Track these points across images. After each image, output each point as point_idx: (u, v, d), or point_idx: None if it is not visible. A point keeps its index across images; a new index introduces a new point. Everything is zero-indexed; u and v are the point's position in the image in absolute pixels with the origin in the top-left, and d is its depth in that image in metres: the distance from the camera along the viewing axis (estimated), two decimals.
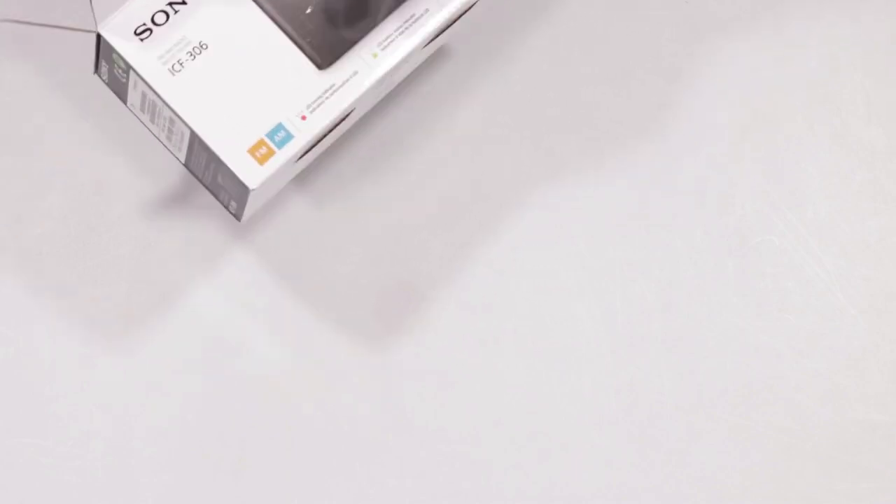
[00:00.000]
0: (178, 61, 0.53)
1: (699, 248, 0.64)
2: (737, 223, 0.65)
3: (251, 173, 0.53)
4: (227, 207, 0.58)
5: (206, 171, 0.56)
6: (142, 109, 0.56)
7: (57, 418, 0.61)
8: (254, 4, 0.54)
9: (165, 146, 0.57)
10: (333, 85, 0.55)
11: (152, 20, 0.53)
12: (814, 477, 0.62)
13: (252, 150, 0.53)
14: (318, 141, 0.56)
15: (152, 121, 0.56)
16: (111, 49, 0.53)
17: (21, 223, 0.63)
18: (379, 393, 0.62)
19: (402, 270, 0.64)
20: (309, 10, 0.54)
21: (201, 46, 0.53)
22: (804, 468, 0.63)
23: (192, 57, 0.53)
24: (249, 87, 0.54)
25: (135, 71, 0.53)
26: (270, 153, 0.54)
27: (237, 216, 0.58)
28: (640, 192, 0.65)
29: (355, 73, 0.55)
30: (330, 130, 0.56)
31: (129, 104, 0.56)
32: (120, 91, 0.56)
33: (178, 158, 0.57)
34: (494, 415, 0.62)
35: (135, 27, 0.53)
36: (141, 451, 0.61)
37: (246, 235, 0.63)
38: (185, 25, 0.53)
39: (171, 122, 0.54)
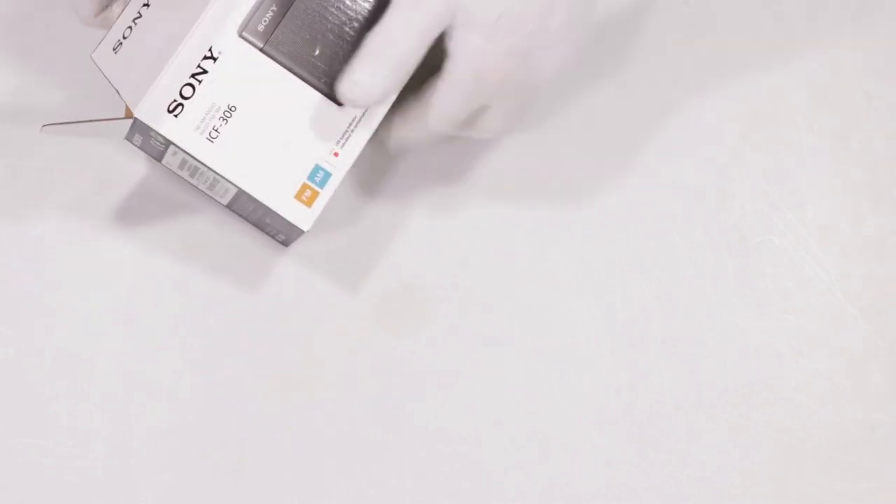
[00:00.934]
0: (214, 128, 0.57)
1: (699, 247, 0.64)
2: (737, 223, 0.65)
3: (303, 216, 0.58)
4: (274, 237, 0.62)
5: (252, 214, 0.60)
6: (180, 168, 0.59)
7: (57, 418, 0.61)
8: (268, 59, 0.57)
9: (205, 193, 0.61)
10: (355, 117, 0.58)
11: (181, 94, 0.56)
12: (814, 477, 0.62)
13: (298, 196, 0.58)
14: None
15: (192, 177, 0.59)
16: (149, 128, 0.56)
17: (22, 223, 0.63)
18: (379, 393, 0.62)
19: (402, 270, 0.64)
20: (317, 52, 0.57)
21: (231, 109, 0.57)
22: (804, 468, 0.62)
23: (225, 121, 0.57)
24: (282, 136, 0.58)
25: (175, 145, 0.57)
26: (315, 194, 0.58)
27: (284, 244, 0.62)
28: (640, 192, 0.65)
29: None
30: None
31: (163, 163, 0.60)
32: (154, 154, 0.59)
33: (219, 202, 0.61)
34: (494, 415, 0.62)
35: (167, 105, 0.56)
36: (141, 451, 0.61)
37: (245, 236, 0.63)
38: (212, 93, 0.56)
39: (216, 181, 0.58)
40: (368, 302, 0.63)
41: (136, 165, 0.64)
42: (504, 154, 0.65)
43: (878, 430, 0.63)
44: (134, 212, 0.63)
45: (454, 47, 0.56)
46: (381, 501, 0.61)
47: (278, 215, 0.58)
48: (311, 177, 0.58)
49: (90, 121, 0.59)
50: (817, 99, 0.66)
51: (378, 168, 0.65)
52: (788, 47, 0.66)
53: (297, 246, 0.63)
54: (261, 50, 0.57)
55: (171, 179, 0.63)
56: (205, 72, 0.56)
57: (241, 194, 0.58)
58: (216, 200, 0.61)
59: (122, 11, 0.59)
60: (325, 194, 0.58)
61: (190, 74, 0.56)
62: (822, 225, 0.65)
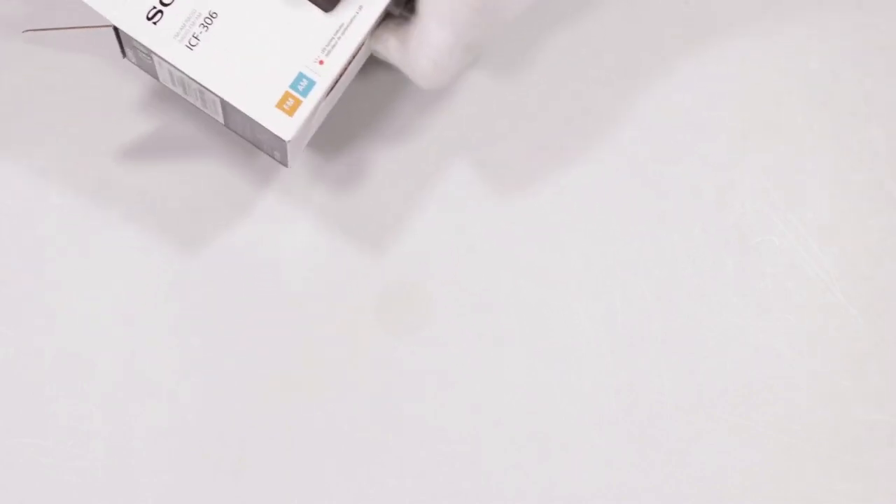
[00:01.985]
0: (194, 35, 0.56)
1: (699, 247, 0.64)
2: (736, 223, 0.65)
3: (284, 126, 0.56)
4: (272, 156, 0.61)
5: (244, 129, 0.59)
6: (173, 84, 0.58)
7: (57, 418, 0.61)
8: None
9: (204, 112, 0.60)
10: (342, 24, 0.57)
11: (160, 1, 0.55)
12: (814, 477, 0.62)
13: (280, 104, 0.56)
14: (338, 80, 0.58)
15: (185, 93, 0.59)
16: (130, 38, 0.56)
17: (21, 223, 0.63)
18: (379, 393, 0.62)
19: (402, 270, 0.64)
20: None
21: (212, 16, 0.56)
22: (804, 468, 0.63)
23: (206, 28, 0.56)
24: (264, 44, 0.56)
25: (155, 54, 0.56)
26: (298, 103, 0.56)
27: (283, 163, 0.61)
28: (640, 192, 0.65)
29: (360, 7, 0.57)
30: (346, 67, 0.58)
31: (161, 81, 0.59)
32: (150, 70, 0.59)
33: (218, 121, 0.60)
34: (494, 415, 0.62)
35: (146, 12, 0.55)
36: (141, 451, 0.61)
37: (245, 235, 0.63)
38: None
39: (201, 92, 0.57)
40: (368, 302, 0.63)
41: (136, 165, 0.64)
42: (504, 154, 0.65)
43: (878, 430, 0.63)
44: (134, 212, 0.63)
45: None
46: (381, 501, 0.61)
47: (259, 125, 0.57)
48: (294, 85, 0.56)
49: (73, 28, 0.59)
50: (817, 99, 0.66)
51: (379, 168, 0.65)
52: (788, 47, 0.66)
53: (298, 246, 0.63)
54: None
55: (171, 180, 0.64)
56: None
57: (226, 106, 0.57)
58: (216, 120, 0.60)
59: None
60: (308, 103, 0.56)
61: None
62: (822, 225, 0.65)
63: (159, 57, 0.56)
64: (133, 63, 0.59)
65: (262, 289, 0.63)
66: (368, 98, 0.65)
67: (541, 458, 0.62)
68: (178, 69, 0.56)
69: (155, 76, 0.59)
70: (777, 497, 0.62)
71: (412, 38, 0.57)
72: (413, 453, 0.62)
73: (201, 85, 0.56)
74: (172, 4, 0.55)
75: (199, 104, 0.59)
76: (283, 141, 0.57)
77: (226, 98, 0.56)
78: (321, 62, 0.56)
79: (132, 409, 0.62)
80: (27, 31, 0.59)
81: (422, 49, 0.57)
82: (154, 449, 0.61)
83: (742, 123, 0.66)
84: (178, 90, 0.59)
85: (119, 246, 0.63)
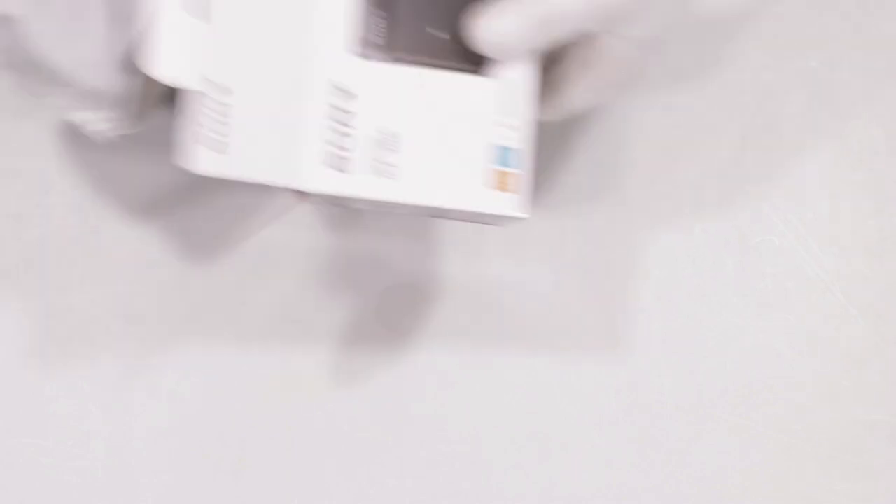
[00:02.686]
0: (387, 163, 0.52)
1: (699, 247, 0.64)
2: (737, 223, 0.65)
3: (512, 204, 0.52)
4: (483, 224, 0.57)
5: (453, 216, 0.55)
6: (368, 205, 0.54)
7: (57, 418, 0.61)
8: (402, 66, 0.52)
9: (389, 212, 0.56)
10: (514, 81, 0.53)
11: (335, 145, 0.51)
12: (814, 477, 0.62)
13: (494, 184, 0.52)
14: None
15: (379, 207, 0.54)
16: (323, 195, 0.52)
17: (21, 223, 0.63)
18: (379, 393, 0.62)
19: (402, 270, 0.64)
20: (443, 34, 0.53)
21: (394, 136, 0.52)
22: (804, 468, 0.62)
23: (394, 150, 0.52)
24: (453, 133, 0.52)
25: (359, 198, 0.52)
26: (509, 175, 0.52)
27: (497, 225, 0.56)
28: (639, 192, 0.65)
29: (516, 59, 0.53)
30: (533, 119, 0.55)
31: (350, 206, 0.55)
32: (339, 203, 0.54)
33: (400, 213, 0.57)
34: (494, 415, 0.62)
35: (328, 162, 0.51)
36: (141, 451, 0.61)
37: (246, 234, 0.63)
38: (366, 128, 0.51)
39: (405, 207, 0.53)
40: (368, 302, 0.63)
41: (136, 165, 0.64)
42: None
43: (878, 430, 0.63)
44: (134, 212, 0.63)
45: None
46: (381, 501, 0.61)
47: (484, 213, 0.53)
48: (496, 160, 0.52)
49: (256, 183, 0.53)
50: (817, 99, 0.66)
51: None
52: (788, 47, 0.66)
53: (298, 246, 0.63)
54: (393, 60, 0.52)
55: (171, 180, 0.63)
56: (346, 112, 0.51)
57: (437, 209, 0.53)
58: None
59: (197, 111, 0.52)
60: (520, 171, 0.52)
61: (333, 121, 0.51)
62: (822, 225, 0.65)
63: (359, 199, 0.52)
64: (311, 203, 0.54)
65: (263, 288, 0.63)
66: None
67: (541, 458, 0.62)
68: (387, 201, 0.52)
69: (343, 206, 0.55)
70: (777, 497, 0.62)
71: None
72: (413, 453, 0.62)
73: (414, 205, 0.52)
74: (349, 143, 0.51)
75: (385, 210, 0.55)
76: (517, 218, 0.53)
77: (447, 206, 0.52)
78: (509, 126, 0.52)
79: (132, 409, 0.62)
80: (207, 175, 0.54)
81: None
82: (154, 449, 0.61)
83: (742, 123, 0.66)
84: (370, 208, 0.54)
85: (119, 246, 0.63)
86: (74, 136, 0.64)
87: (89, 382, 0.62)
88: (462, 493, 0.62)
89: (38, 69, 0.52)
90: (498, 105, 0.53)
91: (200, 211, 0.63)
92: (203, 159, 0.51)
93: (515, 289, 0.64)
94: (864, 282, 0.64)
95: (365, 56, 0.51)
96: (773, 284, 0.64)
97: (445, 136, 0.52)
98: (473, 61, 0.53)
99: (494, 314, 0.63)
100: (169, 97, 0.55)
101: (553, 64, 0.55)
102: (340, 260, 0.63)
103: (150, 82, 0.52)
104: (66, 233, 0.63)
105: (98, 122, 0.54)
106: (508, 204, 0.52)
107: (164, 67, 0.50)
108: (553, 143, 0.65)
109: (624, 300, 0.64)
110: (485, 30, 0.51)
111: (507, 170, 0.52)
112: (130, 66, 0.52)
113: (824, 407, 0.63)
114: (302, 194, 0.52)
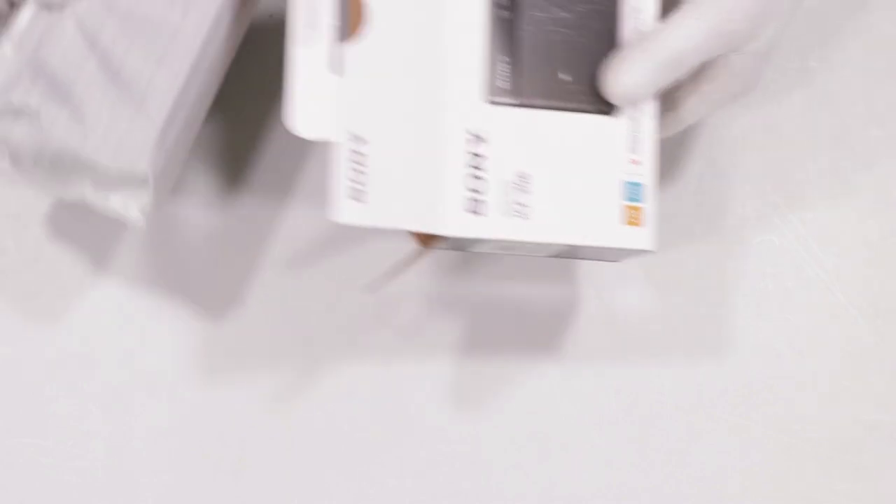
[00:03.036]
0: (520, 203, 0.53)
1: (699, 247, 0.64)
2: (737, 223, 0.65)
3: (644, 239, 0.54)
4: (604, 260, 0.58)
5: (582, 254, 0.57)
6: (494, 248, 0.55)
7: (57, 418, 0.61)
8: (528, 109, 0.53)
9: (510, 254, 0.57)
10: (635, 118, 0.54)
11: (470, 190, 0.52)
12: (814, 477, 0.62)
13: (625, 220, 0.54)
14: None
15: (504, 249, 0.55)
16: (463, 239, 0.53)
17: (21, 223, 0.63)
18: (379, 393, 0.62)
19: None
20: (566, 76, 0.54)
21: (524, 178, 0.53)
22: (804, 468, 0.63)
23: (525, 191, 0.53)
24: (582, 172, 0.54)
25: (493, 240, 0.53)
26: (638, 210, 0.54)
27: (616, 261, 0.59)
28: None
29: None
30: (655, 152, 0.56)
31: (472, 249, 0.56)
32: (463, 247, 0.55)
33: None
34: (494, 415, 0.62)
35: (464, 207, 0.52)
36: (141, 451, 0.61)
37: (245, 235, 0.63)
38: (498, 172, 0.52)
39: (538, 247, 0.54)
40: (368, 302, 0.63)
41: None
42: None
43: (878, 430, 0.63)
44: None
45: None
46: (382, 501, 0.61)
47: (618, 249, 0.54)
48: (626, 196, 0.54)
49: (401, 265, 0.56)
50: (817, 99, 0.66)
51: None
52: (788, 48, 0.66)
53: (298, 246, 0.63)
54: (518, 105, 0.53)
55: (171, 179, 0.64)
56: (478, 156, 0.52)
57: (570, 248, 0.55)
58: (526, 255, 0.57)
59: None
60: (648, 206, 0.54)
61: (468, 166, 0.52)
62: (822, 225, 0.65)
63: (492, 241, 0.53)
64: (440, 248, 0.55)
65: (262, 288, 0.63)
66: None
67: (541, 458, 0.62)
68: (521, 242, 0.53)
69: (464, 249, 0.56)
70: (777, 497, 0.62)
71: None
72: (413, 453, 0.62)
73: (549, 244, 0.54)
74: (482, 188, 0.52)
75: (516, 252, 0.56)
76: (648, 251, 0.54)
77: (583, 243, 0.54)
78: (634, 161, 0.54)
79: (132, 409, 0.62)
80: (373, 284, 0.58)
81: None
82: (154, 449, 0.61)
83: (742, 123, 0.66)
84: (495, 251, 0.56)
85: (119, 246, 0.63)
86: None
87: (89, 382, 0.62)
88: (462, 493, 0.62)
89: (63, 160, 0.54)
90: (625, 142, 0.54)
91: (200, 212, 0.63)
92: (346, 210, 0.51)
93: (513, 289, 0.64)
94: (864, 282, 0.64)
95: (494, 102, 0.53)
96: (773, 284, 0.64)
97: (575, 175, 0.53)
98: (598, 100, 0.54)
99: (494, 314, 0.63)
100: None
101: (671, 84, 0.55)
102: (341, 260, 0.63)
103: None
104: (67, 234, 0.63)
105: (126, 206, 0.55)
106: (640, 238, 0.54)
107: (304, 124, 0.51)
108: None
109: (624, 300, 0.64)
110: (614, 83, 0.53)
111: (637, 205, 0.54)
112: (156, 145, 0.54)
113: (824, 407, 0.63)
114: (427, 241, 0.54)
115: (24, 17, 0.53)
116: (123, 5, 0.53)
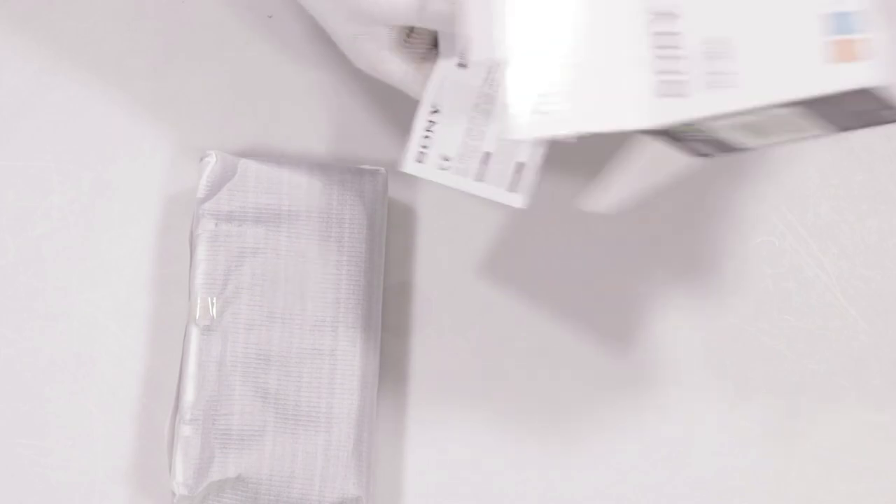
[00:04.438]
0: (721, 72, 0.47)
1: (699, 247, 0.64)
2: (737, 224, 0.65)
3: (864, 73, 0.45)
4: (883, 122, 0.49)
5: (832, 121, 0.49)
6: (745, 134, 0.51)
7: (57, 418, 0.61)
8: None
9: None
10: None
11: (674, 72, 0.48)
12: (814, 477, 0.62)
13: (838, 56, 0.46)
14: None
15: (754, 135, 0.51)
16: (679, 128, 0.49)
17: (21, 223, 0.63)
18: (379, 393, 0.62)
19: (402, 270, 0.64)
20: None
21: (724, 42, 0.47)
22: (804, 468, 0.63)
23: (728, 56, 0.47)
24: (785, 17, 0.47)
25: (701, 121, 0.49)
26: (855, 42, 0.45)
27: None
28: (639, 193, 0.65)
29: None
30: None
31: (730, 149, 0.52)
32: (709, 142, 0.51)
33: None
34: (495, 415, 0.62)
35: (666, 92, 0.48)
36: (141, 451, 0.61)
37: None
38: (693, 39, 0.48)
39: (755, 115, 0.49)
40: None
41: (136, 165, 0.64)
42: None
43: (878, 430, 0.63)
44: (134, 211, 0.63)
45: None
46: (382, 501, 0.61)
47: (840, 93, 0.45)
48: (836, 29, 0.45)
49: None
50: None
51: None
52: None
53: None
54: None
55: (171, 179, 0.63)
56: (672, 34, 0.48)
57: (807, 111, 0.48)
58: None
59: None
60: (866, 34, 0.45)
61: (660, 48, 0.48)
62: (822, 225, 0.65)
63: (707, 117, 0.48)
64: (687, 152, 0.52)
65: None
66: (376, 100, 0.65)
67: (541, 457, 0.62)
68: (731, 112, 0.47)
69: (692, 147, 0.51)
70: (777, 497, 0.62)
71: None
72: (414, 453, 0.62)
73: (761, 108, 0.47)
74: (686, 66, 0.48)
75: (758, 142, 0.51)
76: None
77: (793, 98, 0.46)
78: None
79: (132, 409, 0.62)
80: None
81: None
82: (154, 449, 0.61)
83: None
84: (748, 141, 0.51)
85: (119, 246, 0.63)
86: (74, 135, 0.64)
87: (89, 382, 0.62)
88: (462, 493, 0.62)
89: None
90: None
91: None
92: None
93: (514, 289, 0.64)
94: (864, 282, 0.64)
95: None
96: (773, 285, 0.64)
97: (774, 24, 0.46)
98: None
99: (494, 314, 0.63)
100: None
101: None
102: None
103: None
104: (66, 233, 0.63)
105: None
106: (862, 74, 0.45)
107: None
108: (552, 146, 0.65)
109: (624, 300, 0.64)
110: None
111: (850, 37, 0.45)
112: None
113: (824, 407, 0.63)
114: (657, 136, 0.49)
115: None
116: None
